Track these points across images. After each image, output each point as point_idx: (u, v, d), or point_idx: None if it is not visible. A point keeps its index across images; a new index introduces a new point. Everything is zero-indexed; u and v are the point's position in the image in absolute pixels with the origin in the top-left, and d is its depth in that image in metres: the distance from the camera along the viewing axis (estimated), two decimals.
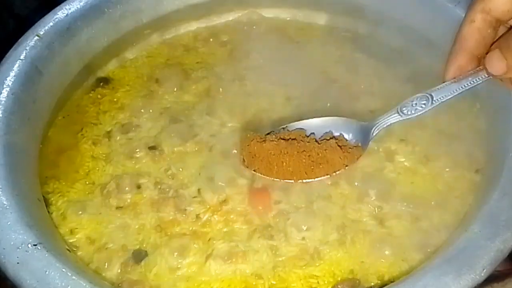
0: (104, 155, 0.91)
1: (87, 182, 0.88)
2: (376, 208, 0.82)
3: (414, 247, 0.78)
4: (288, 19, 1.09)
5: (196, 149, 0.90)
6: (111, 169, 0.89)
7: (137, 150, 0.91)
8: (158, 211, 0.84)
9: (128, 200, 0.85)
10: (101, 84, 1.01)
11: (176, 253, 0.78)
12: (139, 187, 0.86)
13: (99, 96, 0.99)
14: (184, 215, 0.83)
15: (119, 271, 0.78)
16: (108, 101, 0.99)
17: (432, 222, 0.80)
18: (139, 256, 0.79)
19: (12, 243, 0.69)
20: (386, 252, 0.77)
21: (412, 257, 0.77)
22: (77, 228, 0.82)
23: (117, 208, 0.84)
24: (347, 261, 0.77)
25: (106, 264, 0.78)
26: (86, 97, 0.99)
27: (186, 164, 0.88)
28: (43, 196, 0.84)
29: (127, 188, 0.85)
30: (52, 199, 0.86)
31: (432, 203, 0.82)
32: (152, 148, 0.91)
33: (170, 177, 0.87)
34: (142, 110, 0.96)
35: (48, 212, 0.83)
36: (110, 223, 0.83)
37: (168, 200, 0.85)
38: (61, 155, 0.91)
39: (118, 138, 0.93)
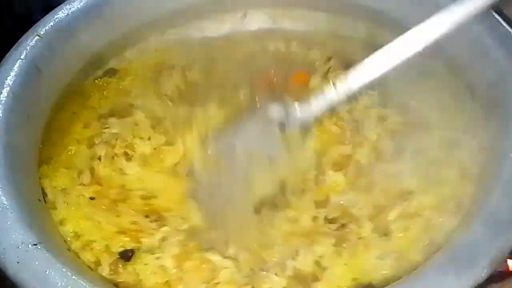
0: (87, 138, 0.90)
1: (69, 168, 0.86)
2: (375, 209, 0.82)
3: (416, 249, 0.77)
4: (288, 19, 1.08)
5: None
6: (90, 154, 0.88)
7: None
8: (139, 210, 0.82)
9: (101, 191, 0.83)
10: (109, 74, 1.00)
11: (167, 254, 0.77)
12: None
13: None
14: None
15: (109, 271, 0.76)
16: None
17: (433, 222, 0.79)
18: (126, 255, 0.77)
19: (12, 243, 0.69)
20: (389, 258, 0.76)
21: (415, 259, 0.76)
22: (66, 219, 0.81)
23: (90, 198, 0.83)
24: (347, 271, 0.75)
25: (95, 264, 0.77)
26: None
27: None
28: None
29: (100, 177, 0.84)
30: (44, 185, 0.84)
31: (433, 203, 0.81)
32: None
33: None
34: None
35: (45, 201, 0.82)
36: (88, 218, 0.81)
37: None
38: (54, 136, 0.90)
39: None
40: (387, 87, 0.94)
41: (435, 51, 0.95)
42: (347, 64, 0.94)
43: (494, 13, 0.90)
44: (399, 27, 0.97)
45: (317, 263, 0.77)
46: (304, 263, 0.76)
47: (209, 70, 1.00)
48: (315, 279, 0.75)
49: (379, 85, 0.92)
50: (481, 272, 0.65)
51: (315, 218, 0.81)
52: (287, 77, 0.95)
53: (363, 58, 0.76)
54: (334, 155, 0.84)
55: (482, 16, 0.89)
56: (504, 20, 0.89)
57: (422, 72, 0.97)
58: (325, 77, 0.95)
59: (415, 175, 0.84)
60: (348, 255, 0.77)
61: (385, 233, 0.78)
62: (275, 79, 0.91)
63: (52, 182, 0.85)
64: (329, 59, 0.99)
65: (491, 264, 0.66)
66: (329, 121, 0.88)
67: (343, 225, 0.79)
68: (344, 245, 0.77)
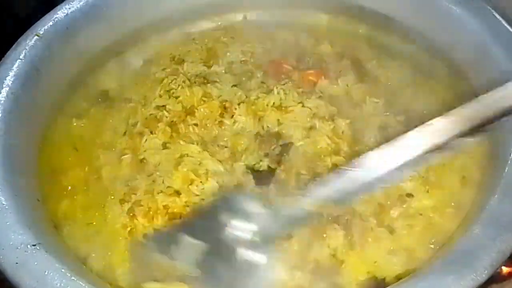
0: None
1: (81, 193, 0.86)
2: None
3: (423, 248, 0.77)
4: (289, 19, 1.08)
5: None
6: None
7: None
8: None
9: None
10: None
11: None
12: None
13: None
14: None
15: None
16: None
17: (435, 221, 0.79)
18: None
19: (11, 243, 0.69)
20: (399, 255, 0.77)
21: (422, 257, 0.76)
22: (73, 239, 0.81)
23: None
24: (362, 264, 0.76)
25: None
26: None
27: None
28: None
29: None
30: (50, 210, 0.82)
31: (433, 204, 0.81)
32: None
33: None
34: None
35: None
36: None
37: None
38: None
39: None
40: (392, 92, 0.95)
41: (437, 53, 0.96)
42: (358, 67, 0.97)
43: (494, 13, 0.90)
44: (400, 28, 1.00)
45: (334, 256, 0.78)
46: (322, 255, 0.77)
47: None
48: (335, 272, 0.76)
49: (384, 92, 0.95)
50: (482, 273, 0.65)
51: (318, 215, 0.80)
52: (299, 68, 0.98)
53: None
54: (328, 164, 0.86)
55: (483, 16, 0.90)
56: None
57: (425, 74, 0.98)
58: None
59: (414, 179, 0.83)
60: (360, 247, 0.77)
61: (390, 231, 0.79)
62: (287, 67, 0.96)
63: (60, 207, 0.83)
64: (341, 57, 1.00)
65: (492, 265, 0.66)
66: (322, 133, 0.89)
67: (347, 221, 0.80)
68: (354, 236, 0.78)
